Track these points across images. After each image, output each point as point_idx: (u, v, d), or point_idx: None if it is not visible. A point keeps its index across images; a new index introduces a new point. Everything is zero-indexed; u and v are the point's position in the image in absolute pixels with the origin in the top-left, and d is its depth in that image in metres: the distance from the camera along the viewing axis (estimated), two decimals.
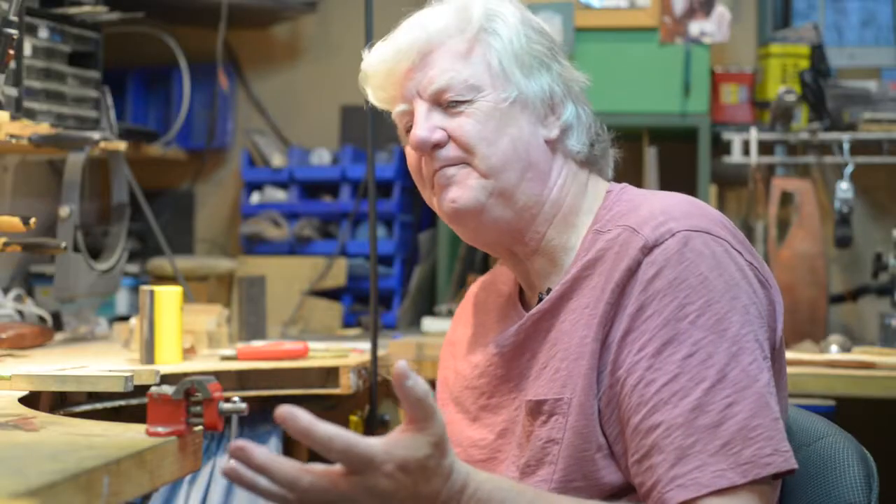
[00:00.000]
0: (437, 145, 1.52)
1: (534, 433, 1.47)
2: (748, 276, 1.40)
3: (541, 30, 1.57)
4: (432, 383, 2.63)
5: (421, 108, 1.53)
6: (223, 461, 2.33)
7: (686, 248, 1.39)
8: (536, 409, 1.47)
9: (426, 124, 1.52)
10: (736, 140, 3.10)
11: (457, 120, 1.51)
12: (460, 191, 1.51)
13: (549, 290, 1.52)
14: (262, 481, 1.22)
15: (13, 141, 2.34)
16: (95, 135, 2.51)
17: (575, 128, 1.55)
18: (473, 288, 1.72)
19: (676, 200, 1.47)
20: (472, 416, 1.59)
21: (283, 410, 1.20)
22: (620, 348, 1.40)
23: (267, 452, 1.22)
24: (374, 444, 1.22)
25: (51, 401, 1.99)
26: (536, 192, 1.52)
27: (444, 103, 1.52)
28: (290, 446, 2.53)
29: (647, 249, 1.40)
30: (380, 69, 1.56)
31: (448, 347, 1.71)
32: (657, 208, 1.45)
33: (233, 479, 1.22)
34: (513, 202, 1.51)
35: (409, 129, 1.55)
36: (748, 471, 1.31)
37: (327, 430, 1.21)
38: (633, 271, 1.41)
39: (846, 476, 1.51)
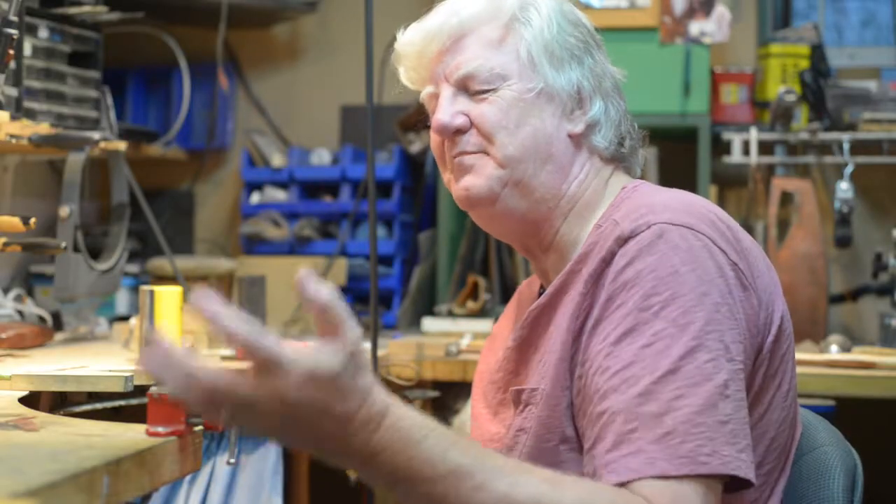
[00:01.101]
0: (459, 131, 1.52)
1: (513, 422, 1.48)
2: (727, 275, 1.36)
3: (577, 22, 1.57)
4: (432, 384, 2.63)
5: (446, 92, 1.53)
6: (223, 461, 2.33)
7: (660, 240, 1.36)
8: (517, 398, 1.48)
9: (450, 109, 1.52)
10: (736, 140, 3.10)
11: (479, 106, 1.51)
12: (474, 179, 1.51)
13: None
14: (169, 374, 1.12)
15: (13, 141, 2.34)
16: (95, 135, 2.51)
17: (602, 124, 1.54)
18: (521, 284, 1.73)
19: (668, 196, 1.45)
20: (493, 410, 1.60)
21: (196, 295, 1.11)
22: (590, 339, 1.38)
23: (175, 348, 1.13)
24: (283, 345, 1.13)
25: (51, 401, 1.99)
26: (555, 185, 1.52)
27: (471, 90, 1.52)
28: (291, 464, 2.53)
29: (622, 241, 1.38)
30: (410, 50, 1.56)
31: (487, 342, 1.72)
32: (644, 203, 1.43)
33: (145, 367, 1.13)
34: (528, 193, 1.51)
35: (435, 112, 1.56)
36: (683, 465, 1.26)
37: (234, 318, 1.11)
38: (607, 262, 1.39)
39: (826, 489, 1.49)
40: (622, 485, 1.26)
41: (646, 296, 1.34)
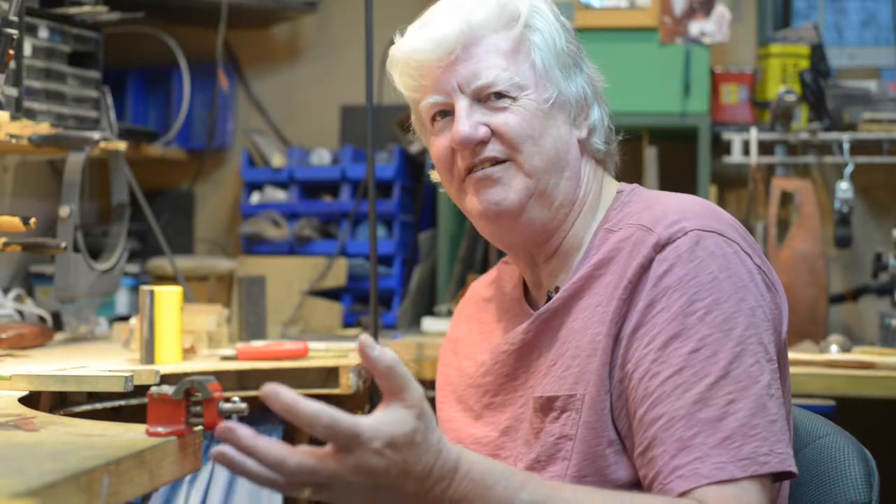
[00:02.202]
0: (480, 142, 1.50)
1: (544, 429, 1.47)
2: (756, 279, 1.41)
3: (569, 28, 1.57)
4: (432, 384, 2.63)
5: (462, 102, 1.51)
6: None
7: (697, 246, 1.40)
8: (547, 406, 1.47)
9: (469, 121, 1.50)
10: (736, 140, 3.10)
11: (501, 116, 1.50)
12: (504, 192, 1.50)
13: (557, 289, 1.52)
14: (251, 463, 1.17)
15: (13, 141, 2.34)
16: (95, 135, 2.51)
17: (599, 127, 1.56)
18: (476, 286, 1.72)
19: (690, 201, 1.48)
20: (476, 413, 1.59)
21: (268, 389, 1.17)
22: (630, 343, 1.41)
23: (254, 433, 1.18)
24: (360, 420, 1.18)
25: (51, 401, 1.99)
26: (571, 192, 1.53)
27: (486, 99, 1.51)
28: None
29: (660, 247, 1.42)
30: (415, 57, 1.53)
31: (450, 345, 1.71)
32: (671, 208, 1.46)
33: (222, 461, 1.18)
34: (550, 203, 1.52)
35: (434, 119, 1.54)
36: (747, 466, 1.31)
37: (312, 405, 1.17)
38: (645, 268, 1.42)
39: (847, 475, 1.52)
40: (691, 490, 1.31)
41: (689, 301, 1.38)
